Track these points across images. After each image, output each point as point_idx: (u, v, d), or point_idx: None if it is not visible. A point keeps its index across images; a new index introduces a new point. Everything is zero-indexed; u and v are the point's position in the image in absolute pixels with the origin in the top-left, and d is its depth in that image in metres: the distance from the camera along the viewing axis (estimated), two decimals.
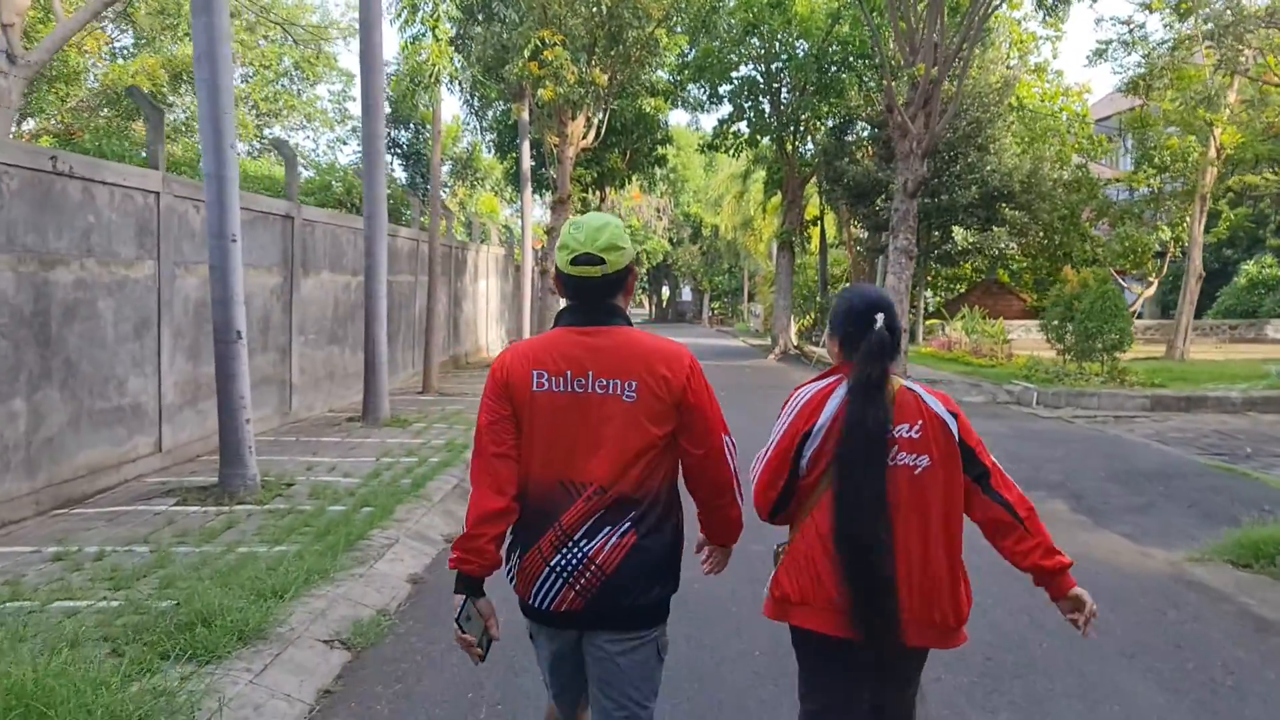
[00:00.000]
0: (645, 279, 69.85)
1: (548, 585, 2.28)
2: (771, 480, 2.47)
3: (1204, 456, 9.59)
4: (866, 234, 28.48)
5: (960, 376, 16.48)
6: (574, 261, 2.31)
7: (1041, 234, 24.18)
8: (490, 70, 19.67)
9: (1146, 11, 19.12)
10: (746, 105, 25.86)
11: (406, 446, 9.17)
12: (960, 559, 2.44)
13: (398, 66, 26.12)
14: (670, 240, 57.68)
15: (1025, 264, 27.58)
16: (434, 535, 6.20)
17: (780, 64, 25.00)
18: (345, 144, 33.67)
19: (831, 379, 2.48)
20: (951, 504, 2.40)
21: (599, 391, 2.27)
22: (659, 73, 23.91)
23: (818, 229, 29.46)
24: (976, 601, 4.78)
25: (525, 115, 20.12)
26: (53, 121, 23.25)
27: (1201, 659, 4.26)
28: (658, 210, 53.41)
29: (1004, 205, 22.49)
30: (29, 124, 23.91)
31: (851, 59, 23.86)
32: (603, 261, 2.30)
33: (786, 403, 2.52)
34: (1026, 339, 24.20)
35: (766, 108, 25.75)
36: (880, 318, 2.42)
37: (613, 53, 19.98)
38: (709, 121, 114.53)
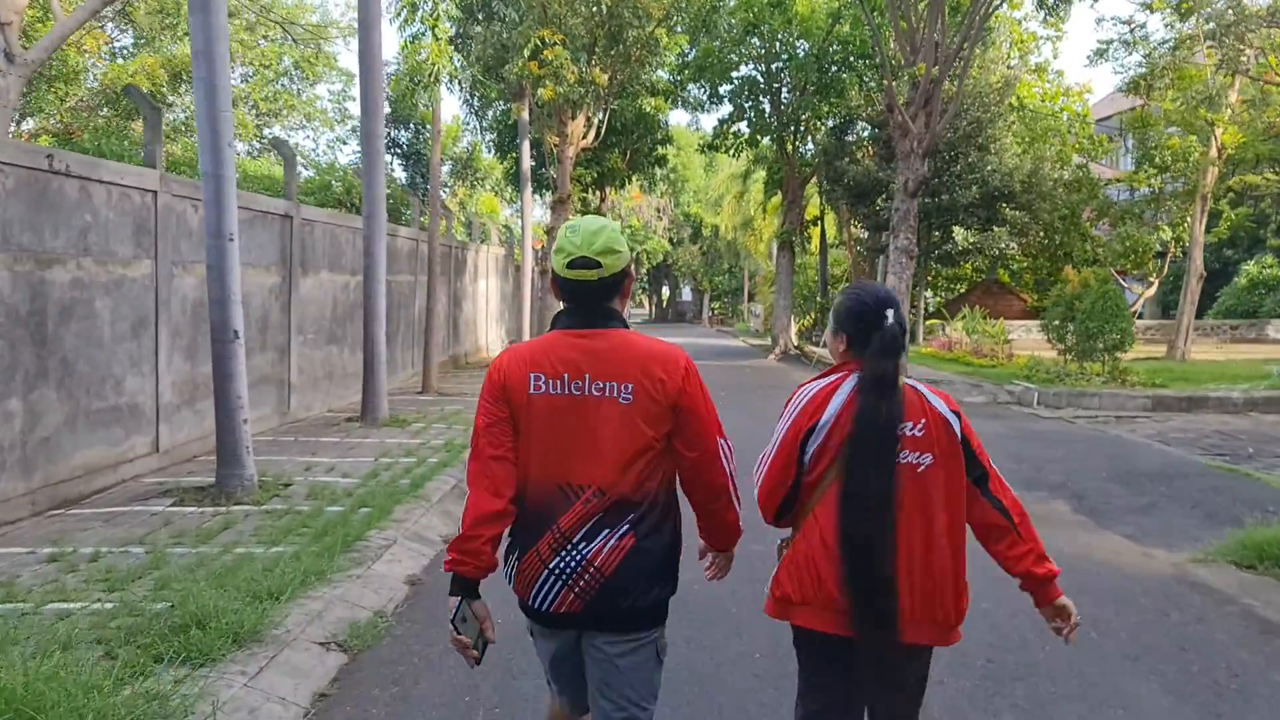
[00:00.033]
0: (645, 279, 69.84)
1: (546, 587, 2.28)
2: (778, 481, 2.45)
3: (1206, 457, 9.55)
4: (867, 234, 28.46)
5: (961, 377, 16.43)
6: (570, 265, 2.31)
7: (1042, 234, 24.15)
8: (490, 70, 19.64)
9: (1147, 11, 19.08)
10: (747, 105, 25.83)
11: (405, 447, 9.14)
12: (963, 557, 2.42)
13: (397, 66, 26.08)
14: (670, 240, 57.65)
15: (1026, 264, 27.55)
16: (432, 536, 6.16)
17: (781, 64, 24.97)
18: (345, 144, 33.64)
19: (835, 376, 2.46)
20: (954, 502, 2.39)
21: (595, 394, 2.27)
22: (659, 72, 23.88)
23: (818, 229, 29.43)
24: (978, 604, 4.76)
25: (525, 115, 20.08)
26: (52, 121, 23.21)
27: (1206, 661, 4.22)
28: (658, 210, 53.38)
29: (1004, 205, 22.48)
30: (29, 123, 23.88)
31: (852, 59, 23.84)
32: (599, 265, 2.30)
33: (789, 401, 2.51)
34: (1027, 339, 24.16)
35: (767, 107, 25.72)
36: (891, 313, 2.43)
37: (613, 52, 19.95)
38: (709, 121, 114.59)
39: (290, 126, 32.02)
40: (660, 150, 26.94)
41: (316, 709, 3.70)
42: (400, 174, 32.85)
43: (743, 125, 26.36)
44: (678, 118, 78.95)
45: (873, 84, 23.36)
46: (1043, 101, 24.94)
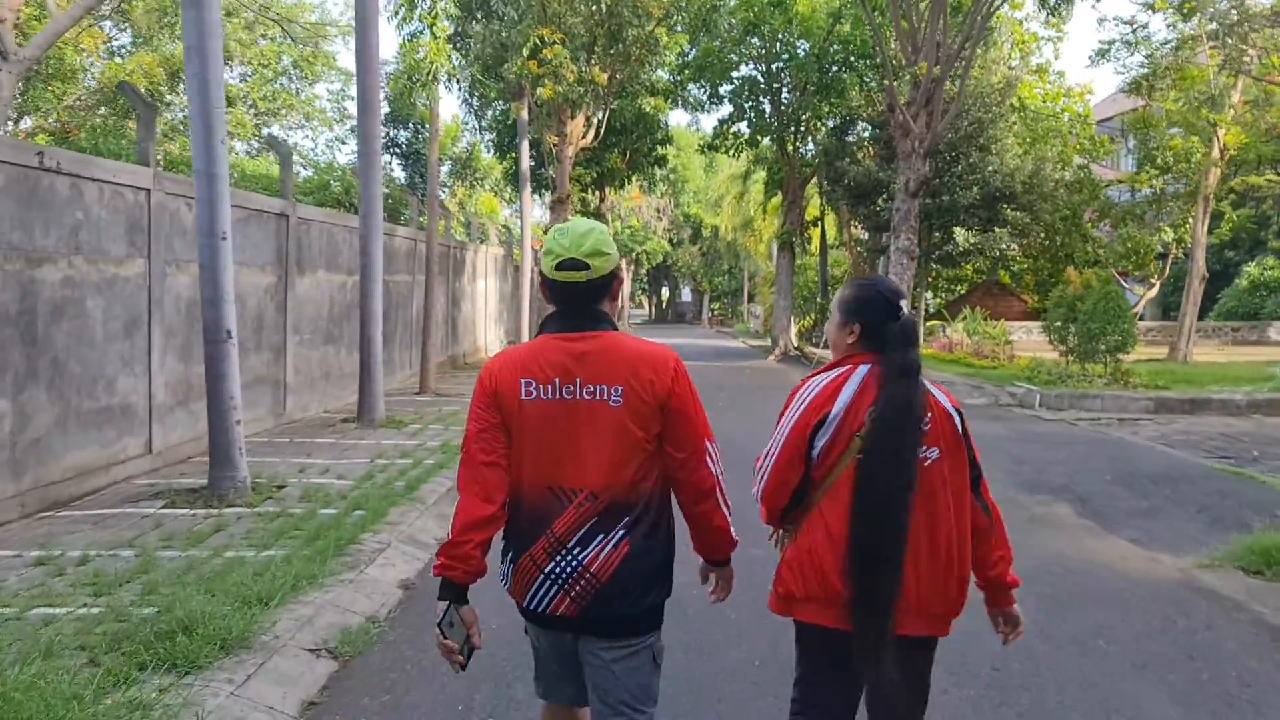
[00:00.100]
0: (645, 280, 69.78)
1: (542, 591, 2.29)
2: (785, 477, 2.42)
3: (1210, 459, 9.46)
4: (867, 235, 28.37)
5: (962, 378, 16.34)
6: (559, 267, 2.30)
7: (1043, 235, 24.07)
8: (489, 69, 19.56)
9: (1150, 11, 18.99)
10: (747, 105, 25.76)
11: (401, 448, 9.05)
12: (968, 551, 2.43)
13: (396, 65, 26.01)
14: (670, 241, 57.57)
15: (1026, 265, 27.47)
16: (427, 539, 6.07)
17: (781, 64, 24.89)
18: (344, 143, 33.50)
19: (843, 369, 2.46)
20: (958, 496, 2.40)
21: (586, 398, 2.27)
22: (659, 72, 23.82)
23: (818, 230, 29.35)
24: (980, 610, 4.67)
25: (524, 114, 20.00)
26: (50, 120, 23.12)
27: (1215, 670, 4.13)
28: (658, 211, 53.28)
29: (1005, 206, 22.39)
30: (26, 122, 23.80)
31: (853, 59, 23.77)
32: (588, 267, 2.29)
33: (794, 395, 2.48)
34: (1028, 340, 24.08)
35: (767, 108, 25.64)
36: (904, 304, 2.48)
37: (612, 51, 19.87)
38: (709, 122, 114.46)
39: (289, 126, 31.94)
40: (660, 150, 26.89)
41: (305, 718, 3.61)
42: (399, 173, 32.78)
43: (743, 125, 26.29)
44: (678, 118, 78.99)
45: (873, 84, 23.28)
46: (1044, 102, 24.89)
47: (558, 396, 2.27)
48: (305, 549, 5.32)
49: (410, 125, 31.75)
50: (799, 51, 24.44)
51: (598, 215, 25.95)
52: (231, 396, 6.62)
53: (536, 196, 25.01)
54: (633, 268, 58.46)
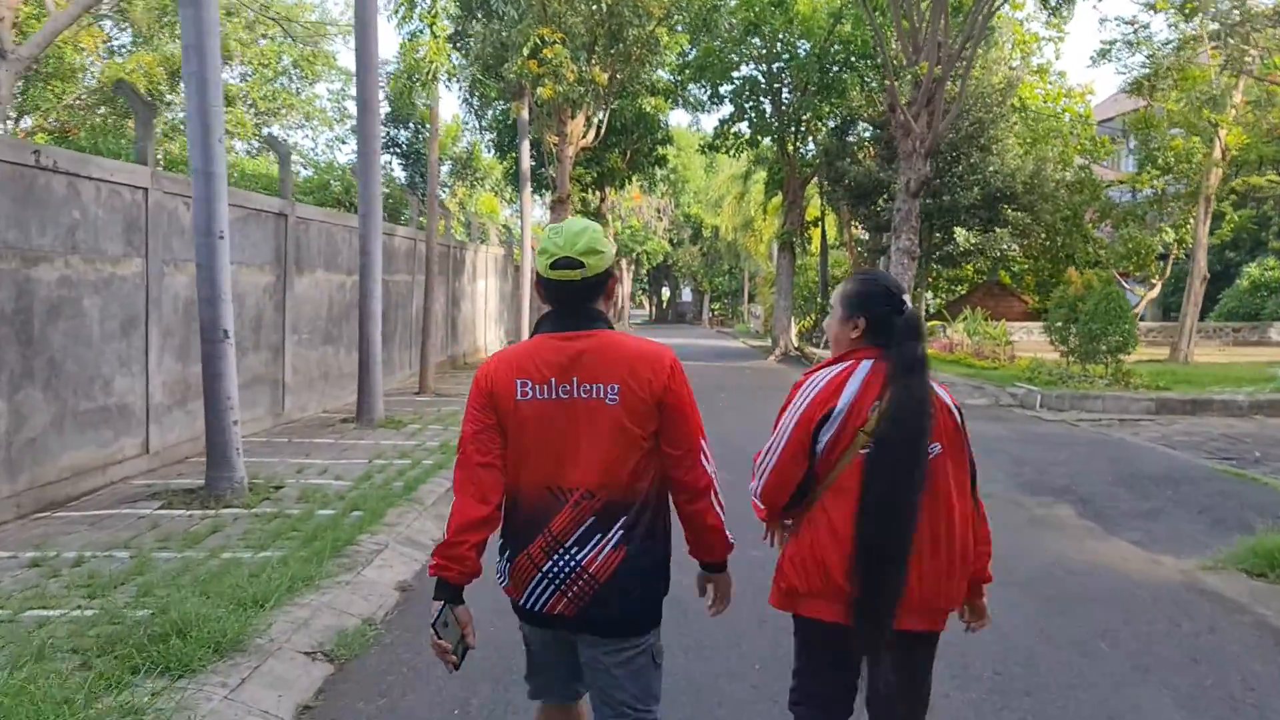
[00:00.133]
0: (645, 280, 69.74)
1: (539, 590, 2.29)
2: (789, 473, 2.41)
3: (1212, 461, 9.42)
4: (868, 235, 28.35)
5: (962, 379, 16.29)
6: (553, 265, 2.30)
7: (1044, 235, 24.04)
8: (489, 68, 19.53)
9: (1151, 11, 18.96)
10: (747, 105, 25.72)
11: (400, 448, 9.01)
12: (969, 545, 2.44)
13: (397, 65, 25.97)
14: (670, 241, 57.54)
15: (1027, 265, 27.42)
16: (425, 540, 6.03)
17: (782, 64, 24.85)
18: (344, 143, 33.45)
19: (846, 364, 2.45)
20: (961, 491, 2.41)
21: (583, 396, 2.27)
22: (659, 72, 23.79)
23: (818, 230, 29.32)
24: None
25: (525, 114, 19.96)
26: (49, 119, 23.09)
27: (1220, 674, 4.09)
28: (658, 211, 53.26)
29: (1006, 206, 22.37)
30: (26, 121, 23.77)
31: (853, 59, 23.73)
32: (582, 265, 2.29)
33: (797, 389, 2.46)
34: (1028, 341, 24.02)
35: (768, 108, 25.60)
36: (907, 298, 2.49)
37: (613, 51, 19.84)
38: (709, 122, 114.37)
39: (289, 126, 31.91)
40: (660, 150, 26.85)
41: None
42: (399, 173, 32.74)
43: (743, 125, 26.25)
44: (678, 118, 78.90)
45: (874, 84, 23.25)
46: (1045, 102, 24.85)
47: (554, 396, 2.27)
48: (302, 550, 5.28)
49: (410, 125, 31.71)
50: (800, 51, 24.41)
51: (598, 215, 25.93)
52: (229, 396, 6.58)
53: (537, 196, 24.97)
54: (633, 268, 58.44)
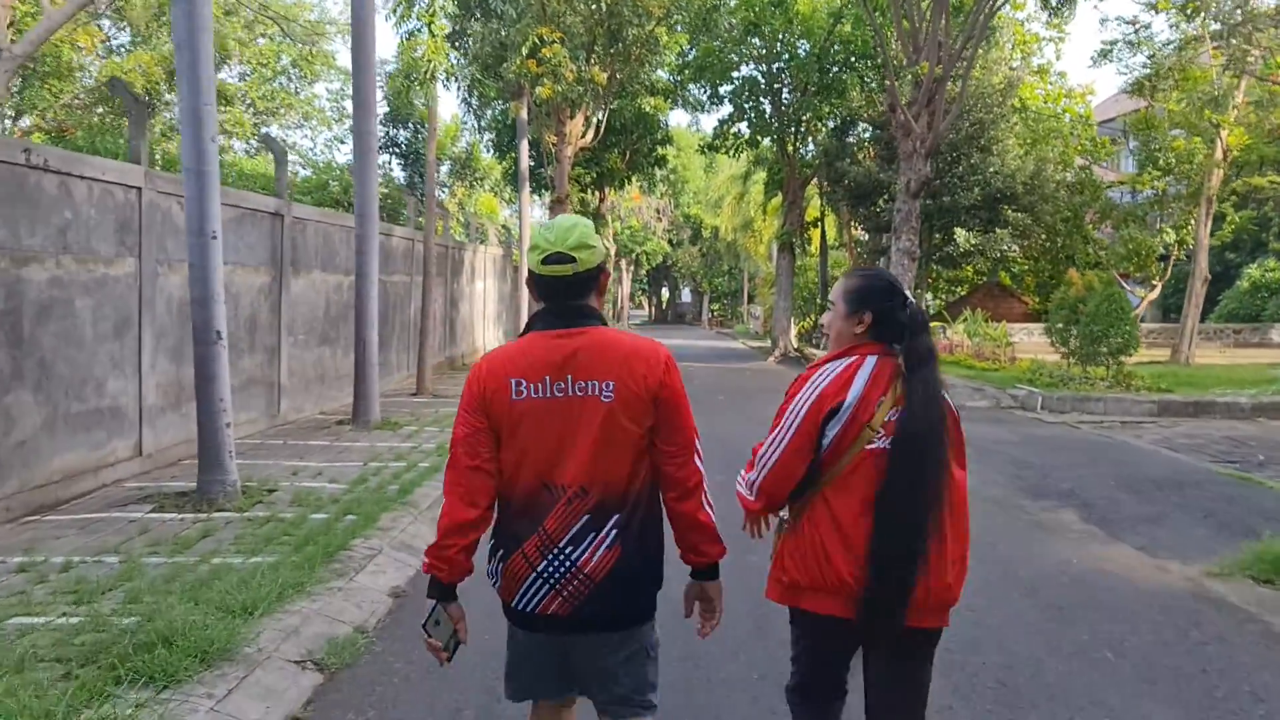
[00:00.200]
0: (645, 280, 69.65)
1: (533, 590, 2.27)
2: (793, 467, 2.38)
3: (1216, 464, 9.33)
4: (867, 235, 28.29)
5: (963, 380, 16.20)
6: (545, 261, 2.29)
7: (1044, 236, 23.96)
8: (488, 68, 19.44)
9: (1152, 12, 18.88)
10: (747, 105, 25.64)
11: (396, 451, 8.92)
12: (967, 542, 2.43)
13: (396, 64, 25.89)
14: (670, 241, 57.46)
15: (1027, 266, 27.34)
16: (419, 545, 5.92)
17: (781, 64, 24.78)
18: (343, 143, 33.34)
19: (853, 358, 2.44)
20: (961, 489, 2.40)
21: (578, 394, 2.26)
22: (659, 72, 23.70)
23: (818, 230, 29.24)
24: (986, 621, 4.54)
25: (524, 114, 19.88)
26: (47, 118, 23.00)
27: (1229, 686, 4.00)
28: (657, 211, 53.17)
29: (1007, 207, 22.29)
30: (25, 121, 23.69)
31: (853, 59, 23.66)
32: (573, 260, 2.28)
33: (802, 382, 2.43)
34: (1029, 342, 23.94)
35: (767, 108, 25.52)
36: (908, 293, 2.49)
37: (612, 51, 19.76)
38: (709, 122, 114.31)
39: (288, 125, 31.83)
40: (660, 151, 26.77)
41: None
42: (398, 173, 32.63)
43: (743, 126, 26.17)
44: (678, 118, 78.90)
45: (874, 84, 23.17)
46: (1045, 103, 24.77)
47: (549, 394, 2.26)
48: (294, 555, 5.20)
49: (410, 125, 31.61)
50: (799, 51, 24.33)
51: (597, 216, 25.84)
52: (221, 399, 6.49)
53: (536, 197, 24.90)
54: (632, 269, 58.36)
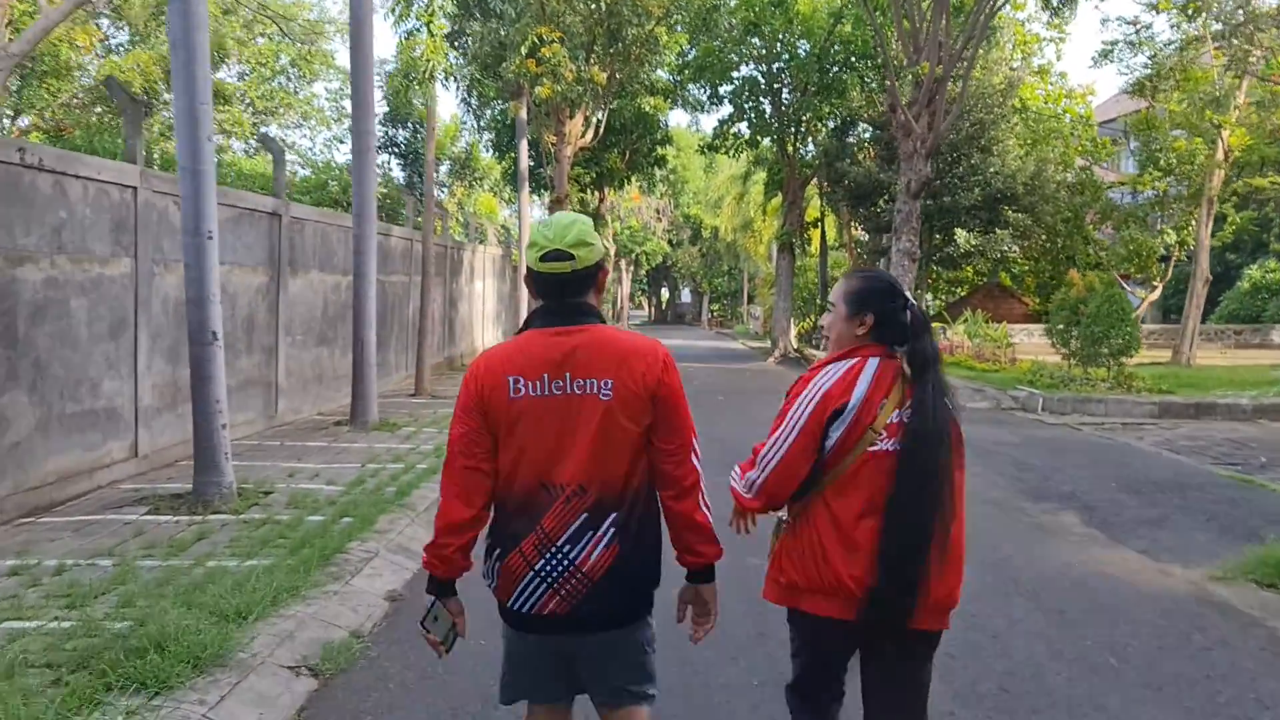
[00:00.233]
0: (644, 280, 69.58)
1: (530, 589, 2.25)
2: (797, 467, 2.36)
3: (1218, 466, 9.28)
4: (868, 236, 28.23)
5: (963, 381, 16.14)
6: (543, 258, 2.28)
7: (1044, 237, 23.91)
8: (487, 67, 19.40)
9: (1153, 12, 18.83)
10: (747, 105, 25.58)
11: (394, 452, 8.88)
12: (963, 543, 2.43)
13: (395, 64, 25.82)
14: (670, 242, 57.39)
15: (1028, 267, 27.29)
16: (416, 548, 5.87)
17: (781, 64, 24.72)
18: (342, 143, 33.30)
19: (855, 359, 2.43)
20: (959, 489, 2.40)
21: (577, 392, 2.25)
22: (659, 72, 23.64)
23: (818, 231, 29.18)
24: (987, 626, 4.50)
25: (523, 114, 19.83)
26: (45, 117, 22.95)
27: (1234, 691, 3.96)
28: (657, 211, 53.10)
29: (1007, 208, 22.24)
30: (23, 120, 23.63)
31: (854, 59, 23.60)
32: (572, 257, 2.27)
33: (806, 382, 2.42)
34: (1029, 343, 23.91)
35: (767, 108, 25.47)
36: (908, 294, 2.50)
37: (612, 50, 19.71)
38: (709, 122, 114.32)
39: (287, 125, 31.78)
40: (659, 151, 26.71)
41: None
42: (398, 173, 32.55)
43: (743, 126, 26.12)
44: (677, 118, 78.90)
45: (874, 85, 23.12)
46: (1046, 103, 24.72)
47: (548, 392, 2.24)
48: (289, 558, 5.15)
49: (409, 125, 31.54)
50: (800, 51, 24.28)
51: (597, 216, 25.79)
52: (217, 400, 6.45)
53: (535, 197, 24.84)
54: (632, 269, 58.30)
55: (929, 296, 27.34)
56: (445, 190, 34.44)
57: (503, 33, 18.43)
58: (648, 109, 24.87)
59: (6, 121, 23.37)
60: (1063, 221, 23.16)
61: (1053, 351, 16.69)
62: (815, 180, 27.17)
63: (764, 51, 24.36)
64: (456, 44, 19.82)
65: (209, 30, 6.59)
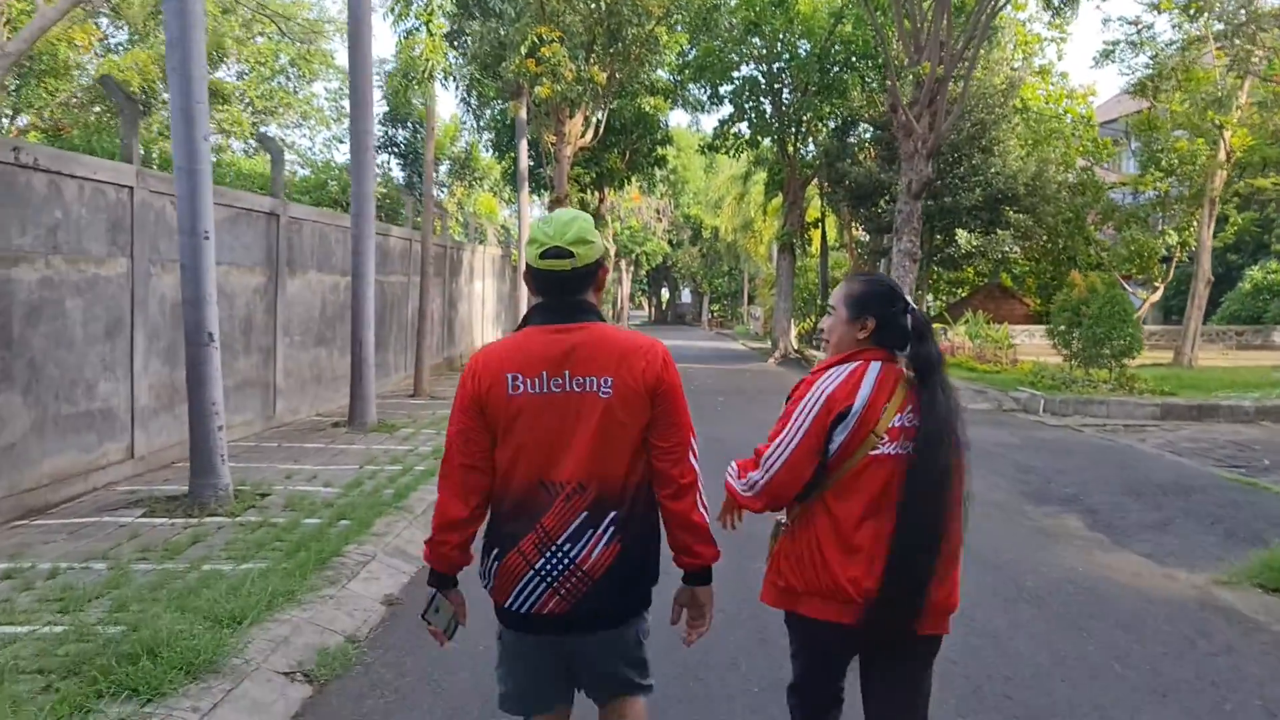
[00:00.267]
0: (645, 281, 69.53)
1: (530, 588, 2.24)
2: (800, 470, 2.34)
3: (1221, 468, 9.23)
4: (868, 236, 28.16)
5: (964, 383, 16.08)
6: (543, 255, 2.27)
7: (1045, 238, 23.85)
8: (487, 67, 19.36)
9: (1155, 12, 18.78)
10: (747, 105, 25.53)
11: (392, 453, 8.82)
12: (961, 545, 2.43)
13: (395, 64, 25.76)
14: (670, 242, 57.33)
15: (1029, 268, 27.23)
16: (413, 551, 5.83)
17: (782, 64, 24.67)
18: (342, 142, 33.24)
19: (857, 363, 2.42)
20: (959, 497, 2.40)
21: (576, 390, 2.24)
22: (659, 71, 23.60)
23: (819, 231, 29.13)
24: (990, 630, 4.45)
25: (523, 114, 19.78)
26: (44, 116, 22.90)
27: (1240, 699, 3.91)
28: (657, 212, 53.05)
29: (1008, 208, 22.19)
30: (22, 120, 23.58)
31: (854, 59, 23.56)
32: (572, 255, 2.26)
33: (808, 385, 2.40)
34: (1030, 344, 23.86)
35: (768, 108, 25.42)
36: (908, 300, 2.49)
37: (612, 50, 19.66)
38: (709, 122, 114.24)
39: (286, 125, 31.73)
40: (660, 151, 26.66)
41: None
42: (398, 173, 32.48)
43: (743, 126, 26.07)
44: (678, 118, 78.80)
45: (875, 85, 23.07)
46: (1047, 104, 24.66)
47: (546, 390, 2.23)
48: (285, 562, 5.10)
49: (409, 124, 31.48)
50: (800, 51, 24.23)
51: (597, 216, 25.73)
52: (213, 402, 6.39)
53: (535, 196, 24.79)
54: (632, 269, 58.23)
55: (930, 297, 27.28)
56: (445, 190, 34.39)
57: (502, 32, 18.38)
58: (648, 109, 24.83)
59: (5, 121, 23.33)
60: (1064, 222, 23.11)
61: (1054, 353, 16.63)
62: (816, 180, 27.12)
63: (764, 51, 24.31)
64: (456, 43, 19.77)
65: (207, 29, 6.54)
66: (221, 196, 8.95)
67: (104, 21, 26.11)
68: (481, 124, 26.06)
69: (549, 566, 2.22)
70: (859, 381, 2.37)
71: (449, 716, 3.65)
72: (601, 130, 22.29)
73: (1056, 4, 18.52)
